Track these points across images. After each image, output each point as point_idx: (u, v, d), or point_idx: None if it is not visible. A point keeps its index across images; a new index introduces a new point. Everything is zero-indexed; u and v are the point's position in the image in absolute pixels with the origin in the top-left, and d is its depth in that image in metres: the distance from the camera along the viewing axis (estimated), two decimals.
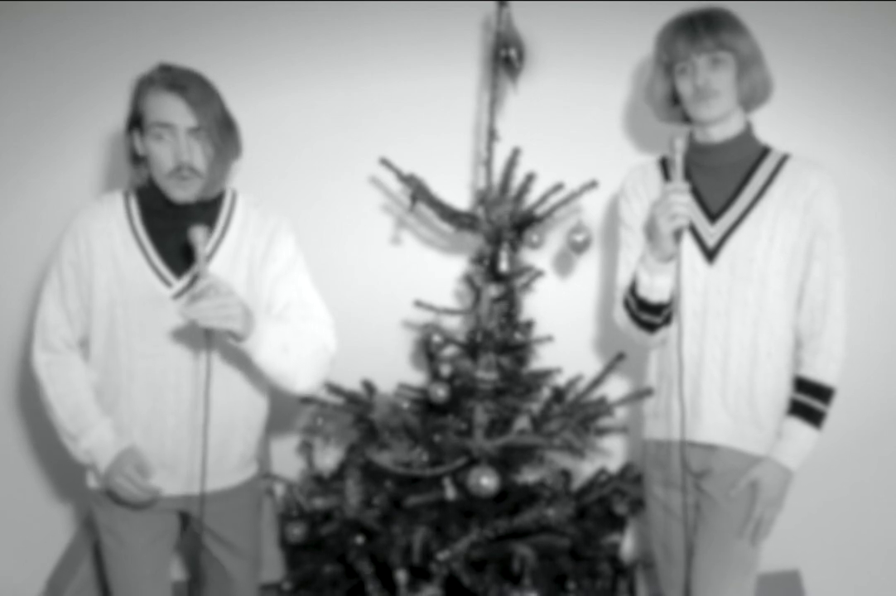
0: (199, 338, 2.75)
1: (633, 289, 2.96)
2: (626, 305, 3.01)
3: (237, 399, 2.94)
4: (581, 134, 3.99)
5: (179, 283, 2.83)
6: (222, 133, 2.76)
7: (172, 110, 2.67)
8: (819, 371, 2.84)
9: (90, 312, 2.89)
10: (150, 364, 2.87)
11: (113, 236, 2.86)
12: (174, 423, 2.91)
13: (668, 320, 2.98)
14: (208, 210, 2.88)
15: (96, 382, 2.95)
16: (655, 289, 2.90)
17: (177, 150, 2.68)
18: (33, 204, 4.09)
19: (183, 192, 2.75)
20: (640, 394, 3.12)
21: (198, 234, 2.52)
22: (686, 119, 2.99)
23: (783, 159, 2.90)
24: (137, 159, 2.83)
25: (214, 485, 2.95)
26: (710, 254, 2.89)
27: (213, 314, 2.51)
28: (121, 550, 3.02)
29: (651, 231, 2.86)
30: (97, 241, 2.86)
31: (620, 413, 3.49)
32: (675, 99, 2.96)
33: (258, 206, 2.96)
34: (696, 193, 2.94)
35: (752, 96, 2.86)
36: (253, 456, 3.11)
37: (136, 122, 2.76)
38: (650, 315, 2.95)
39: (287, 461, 3.85)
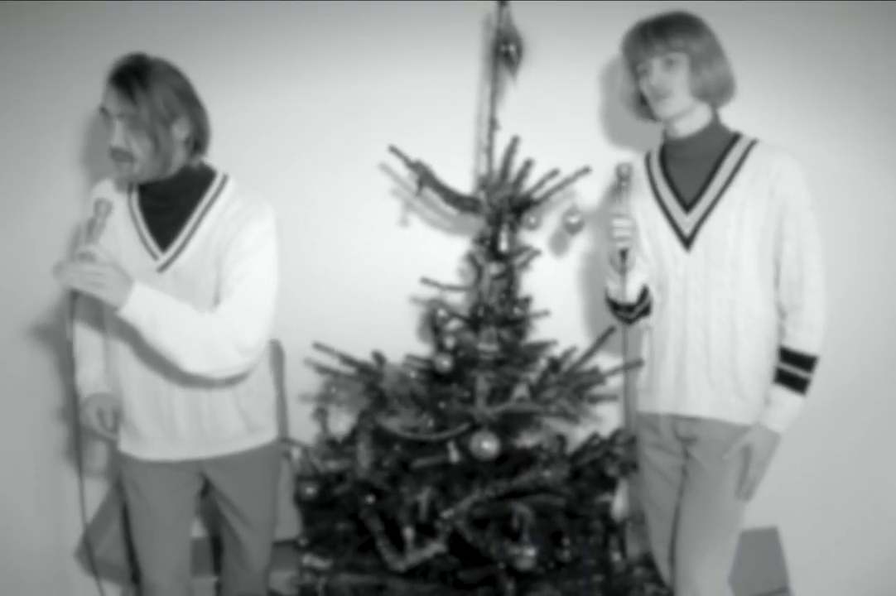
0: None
1: (606, 290, 3.04)
2: (606, 302, 3.09)
3: None
4: (575, 123, 4.00)
5: (164, 257, 2.84)
6: (158, 123, 2.68)
7: (108, 97, 2.67)
8: (801, 342, 2.87)
9: None
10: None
11: (117, 210, 2.88)
12: (167, 390, 2.94)
13: (645, 312, 3.04)
14: (192, 192, 2.87)
15: (108, 345, 3.01)
16: (621, 293, 2.99)
17: (111, 134, 2.67)
18: (33, 190, 4.14)
19: (119, 174, 2.74)
20: (630, 365, 3.14)
21: (100, 205, 2.55)
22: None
23: (750, 146, 2.92)
24: None
25: (218, 451, 3.03)
26: (687, 241, 2.92)
27: (79, 278, 2.47)
28: (140, 503, 3.08)
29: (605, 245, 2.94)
30: None
31: (612, 382, 3.51)
32: (642, 99, 2.99)
33: (244, 193, 2.89)
34: (672, 184, 2.98)
35: (706, 93, 2.86)
36: (262, 424, 3.12)
37: None
38: (623, 312, 3.07)
39: (303, 426, 3.86)
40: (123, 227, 2.89)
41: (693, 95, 2.86)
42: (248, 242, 2.79)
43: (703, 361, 2.94)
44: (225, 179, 2.93)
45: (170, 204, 2.85)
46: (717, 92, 2.89)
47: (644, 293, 3.02)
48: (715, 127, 2.95)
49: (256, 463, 3.13)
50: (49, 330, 4.21)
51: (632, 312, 3.04)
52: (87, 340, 3.11)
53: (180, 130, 2.75)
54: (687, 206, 2.94)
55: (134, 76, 2.63)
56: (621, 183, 2.82)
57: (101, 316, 3.01)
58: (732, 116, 3.04)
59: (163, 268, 2.84)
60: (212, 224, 2.84)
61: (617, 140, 4.02)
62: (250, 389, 3.06)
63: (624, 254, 2.84)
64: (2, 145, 4.10)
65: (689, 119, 2.91)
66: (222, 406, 3.00)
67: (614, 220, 2.80)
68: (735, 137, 2.96)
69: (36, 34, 4.01)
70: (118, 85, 2.63)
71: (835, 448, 4.22)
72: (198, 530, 4.03)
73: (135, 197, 2.90)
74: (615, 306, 3.08)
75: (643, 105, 3.01)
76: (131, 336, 2.87)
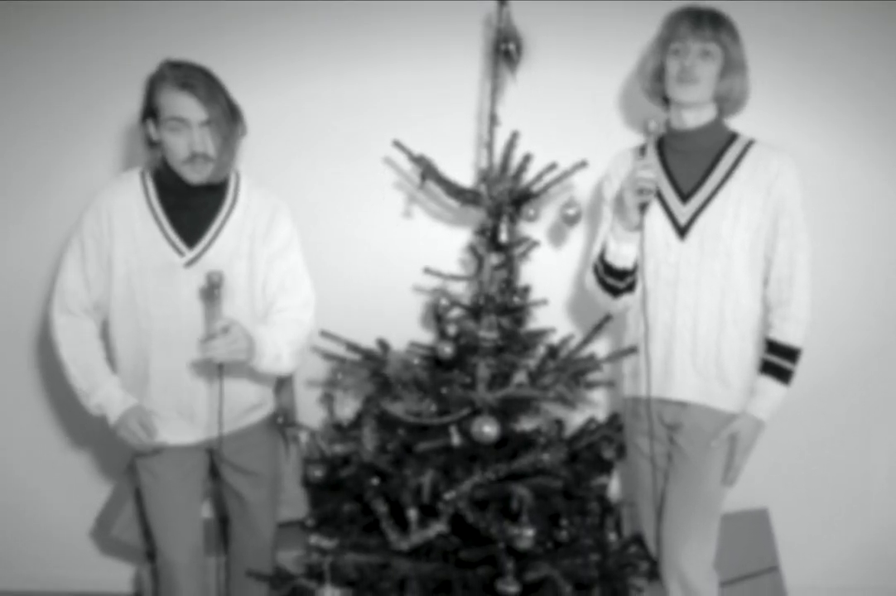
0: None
1: (601, 255, 3.02)
2: (595, 269, 3.08)
3: None
4: (573, 119, 4.02)
5: (191, 253, 2.95)
6: (229, 123, 2.88)
7: (185, 106, 2.78)
8: (788, 335, 2.90)
9: (109, 280, 2.98)
10: (165, 326, 2.98)
11: (131, 211, 2.95)
12: (188, 378, 3.03)
13: (630, 288, 3.03)
14: (217, 190, 2.99)
15: (117, 345, 3.05)
16: (620, 256, 2.97)
17: (191, 141, 2.81)
18: (58, 186, 4.17)
19: (197, 176, 2.87)
20: (625, 352, 3.14)
21: (213, 276, 2.64)
22: (666, 101, 3.03)
23: (748, 144, 2.95)
24: (153, 144, 2.94)
25: (231, 427, 3.10)
26: (682, 230, 2.93)
27: (224, 351, 2.69)
28: (156, 486, 3.12)
29: (619, 203, 2.93)
30: (117, 215, 2.95)
31: (607, 369, 3.51)
32: (660, 76, 2.99)
33: (259, 188, 3.10)
34: (670, 175, 2.99)
35: (727, 97, 2.91)
36: (266, 399, 3.25)
37: (150, 112, 2.87)
38: (614, 279, 3.02)
39: (311, 411, 3.87)
40: (141, 227, 2.95)
41: (714, 94, 2.91)
42: (280, 237, 3.05)
43: (689, 347, 2.96)
44: (238, 175, 3.06)
45: (196, 201, 2.96)
46: (734, 100, 2.95)
47: (635, 268, 3.02)
48: (718, 123, 2.99)
49: (261, 431, 3.25)
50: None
51: (623, 279, 3.04)
52: (89, 361, 3.05)
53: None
54: (684, 197, 2.95)
55: (201, 83, 2.79)
56: (648, 137, 2.87)
57: (110, 322, 3.06)
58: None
59: (190, 263, 2.94)
60: (240, 218, 2.99)
61: (612, 135, 4.03)
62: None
63: (643, 208, 2.84)
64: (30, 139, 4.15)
65: (699, 112, 2.94)
66: (241, 388, 3.11)
67: (640, 171, 2.80)
68: (733, 136, 2.99)
69: (45, 32, 4.05)
70: (195, 92, 2.79)
71: (821, 433, 4.24)
72: (205, 511, 4.03)
73: (153, 198, 2.96)
74: (608, 270, 3.06)
75: (658, 82, 3.02)
76: (158, 335, 2.98)
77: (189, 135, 2.81)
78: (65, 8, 4.04)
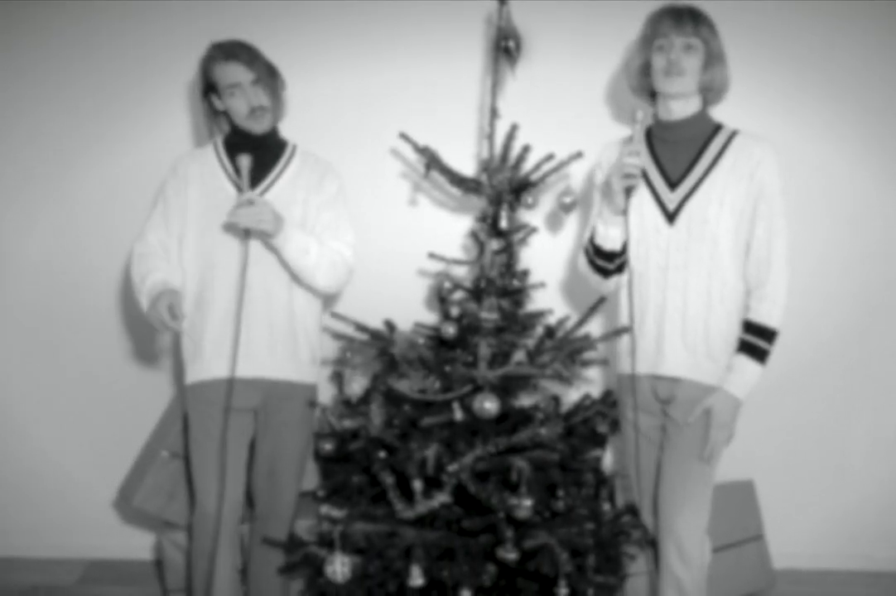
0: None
1: (591, 238, 3.04)
2: (586, 252, 3.09)
3: (295, 295, 3.31)
4: (569, 112, 4.04)
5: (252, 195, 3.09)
6: (272, 78, 3.26)
7: (235, 72, 3.16)
8: (763, 315, 2.91)
9: (185, 223, 3.24)
10: (228, 261, 3.21)
11: (204, 165, 3.31)
12: (247, 313, 3.17)
13: (619, 270, 3.05)
14: (277, 147, 3.38)
15: (187, 277, 3.26)
16: (609, 238, 2.99)
17: (248, 99, 3.18)
18: (82, 177, 4.27)
19: (259, 126, 3.25)
20: (618, 331, 3.16)
21: (243, 160, 2.94)
22: (652, 95, 3.05)
23: (732, 134, 2.97)
24: (217, 114, 3.33)
25: (279, 375, 3.30)
26: (671, 216, 2.95)
27: (248, 219, 2.94)
28: (207, 442, 3.23)
29: (607, 188, 2.96)
30: (192, 167, 3.32)
31: (601, 347, 3.53)
32: (646, 72, 3.01)
33: (313, 154, 3.45)
34: (659, 164, 3.01)
35: (710, 87, 2.93)
36: (316, 360, 3.42)
37: (210, 88, 3.24)
38: (604, 261, 3.04)
39: (321, 388, 3.88)
40: (211, 176, 3.31)
41: (698, 85, 2.93)
42: (330, 191, 3.37)
43: (679, 327, 2.98)
44: (295, 145, 3.44)
45: (259, 152, 3.19)
46: (716, 90, 2.97)
47: (623, 250, 3.04)
48: (703, 115, 3.01)
49: (302, 396, 3.39)
50: (105, 290, 4.26)
51: (612, 261, 3.06)
52: (150, 267, 3.23)
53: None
54: (672, 185, 2.97)
55: (242, 50, 3.18)
56: (635, 125, 2.86)
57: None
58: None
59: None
60: (296, 170, 3.36)
61: (606, 127, 4.06)
62: (316, 320, 3.43)
63: (629, 193, 2.87)
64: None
65: (685, 103, 2.96)
66: (296, 335, 3.30)
67: (627, 157, 2.83)
68: (718, 127, 3.01)
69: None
70: (239, 59, 3.16)
71: (805, 409, 4.28)
72: None
73: (223, 153, 3.34)
74: (597, 252, 3.08)
75: (645, 78, 3.04)
76: (222, 270, 3.20)
77: (244, 95, 3.17)
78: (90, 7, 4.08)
